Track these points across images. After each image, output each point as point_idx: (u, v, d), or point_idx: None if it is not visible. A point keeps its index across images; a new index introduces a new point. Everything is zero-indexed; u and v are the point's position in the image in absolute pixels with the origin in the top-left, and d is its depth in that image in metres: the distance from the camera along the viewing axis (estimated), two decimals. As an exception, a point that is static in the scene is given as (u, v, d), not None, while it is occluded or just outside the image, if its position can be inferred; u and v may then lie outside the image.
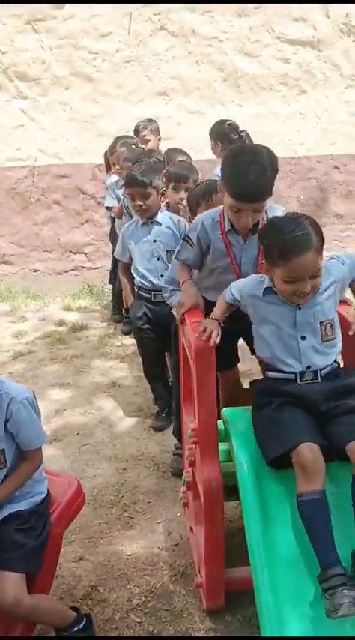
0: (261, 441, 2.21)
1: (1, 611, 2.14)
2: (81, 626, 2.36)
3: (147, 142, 5.99)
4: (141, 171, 3.93)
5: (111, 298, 6.42)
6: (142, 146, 5.72)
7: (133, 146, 5.39)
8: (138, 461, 3.74)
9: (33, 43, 6.84)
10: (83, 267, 7.32)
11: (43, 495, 2.35)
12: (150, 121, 6.17)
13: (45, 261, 7.32)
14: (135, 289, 4.13)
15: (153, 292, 3.95)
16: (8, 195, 7.14)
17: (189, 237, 2.80)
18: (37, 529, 2.26)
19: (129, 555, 2.93)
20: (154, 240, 3.99)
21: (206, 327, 2.37)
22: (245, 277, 2.61)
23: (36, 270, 7.36)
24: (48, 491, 2.38)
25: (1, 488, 2.22)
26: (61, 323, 6.23)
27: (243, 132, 5.40)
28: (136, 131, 6.10)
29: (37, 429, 2.29)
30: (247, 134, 5.39)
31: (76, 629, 2.34)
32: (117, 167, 5.42)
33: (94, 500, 3.33)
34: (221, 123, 5.47)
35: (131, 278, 4.14)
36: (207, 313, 2.59)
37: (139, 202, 3.95)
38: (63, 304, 6.85)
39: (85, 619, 2.40)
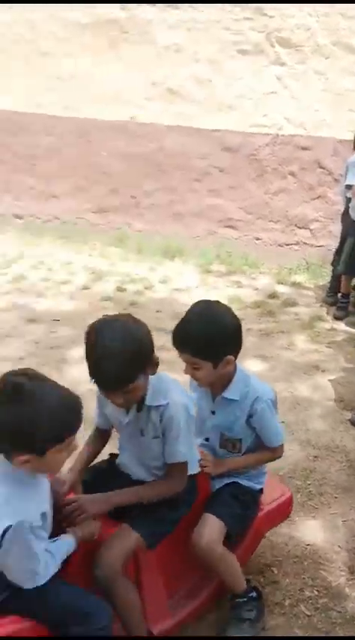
0: None
1: (197, 556, 2.22)
2: (254, 594, 2.38)
3: None
4: None
5: (328, 279, 6.23)
6: None
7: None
8: (331, 452, 3.61)
9: (300, 9, 6.70)
10: (305, 243, 7.18)
11: (261, 486, 2.47)
12: None
13: (269, 232, 7.30)
14: None
15: None
16: (246, 160, 7.19)
17: None
18: (247, 504, 2.37)
19: (308, 545, 2.85)
20: None
21: None
22: None
23: (258, 239, 7.37)
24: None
25: (243, 457, 2.38)
26: (273, 295, 6.20)
27: None
28: None
29: (277, 429, 2.36)
30: None
31: (251, 595, 2.36)
32: (365, 146, 5.17)
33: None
34: None
35: None
36: None
37: None
38: (278, 277, 6.81)
39: (254, 591, 2.40)
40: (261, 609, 2.40)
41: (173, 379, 2.18)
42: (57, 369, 4.33)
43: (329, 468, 3.46)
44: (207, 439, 2.39)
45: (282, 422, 3.85)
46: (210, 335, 2.13)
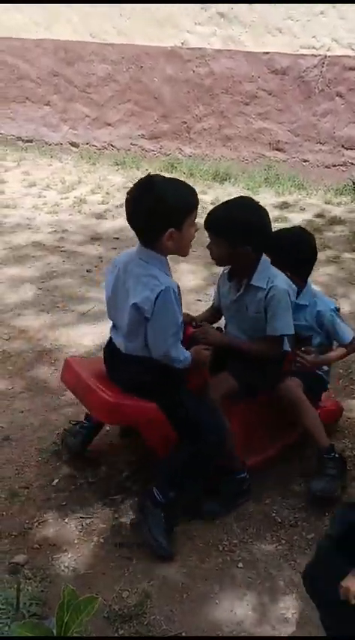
0: None
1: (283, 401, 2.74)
2: (337, 455, 2.78)
3: None
4: None
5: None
6: None
7: None
8: None
9: None
10: (352, 163, 7.36)
11: (328, 383, 3.12)
12: None
13: (316, 153, 7.50)
14: None
15: None
16: (294, 83, 7.33)
17: None
18: (317, 385, 2.98)
19: (349, 419, 3.33)
20: None
21: None
22: None
23: (305, 161, 7.59)
24: None
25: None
26: (319, 215, 6.51)
27: None
28: None
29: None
30: None
31: (335, 455, 2.77)
32: None
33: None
34: None
35: None
36: None
37: None
38: (324, 198, 7.08)
39: (338, 454, 2.80)
40: (343, 469, 2.81)
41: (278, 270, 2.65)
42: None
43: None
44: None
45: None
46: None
